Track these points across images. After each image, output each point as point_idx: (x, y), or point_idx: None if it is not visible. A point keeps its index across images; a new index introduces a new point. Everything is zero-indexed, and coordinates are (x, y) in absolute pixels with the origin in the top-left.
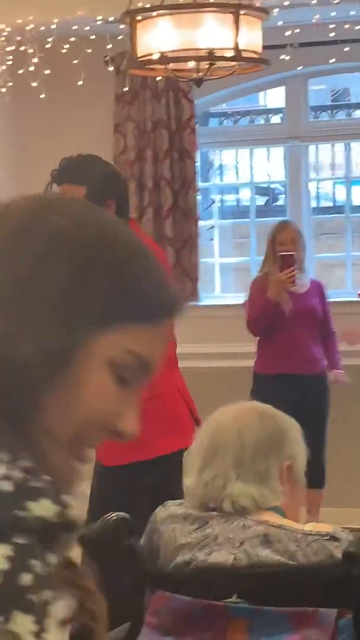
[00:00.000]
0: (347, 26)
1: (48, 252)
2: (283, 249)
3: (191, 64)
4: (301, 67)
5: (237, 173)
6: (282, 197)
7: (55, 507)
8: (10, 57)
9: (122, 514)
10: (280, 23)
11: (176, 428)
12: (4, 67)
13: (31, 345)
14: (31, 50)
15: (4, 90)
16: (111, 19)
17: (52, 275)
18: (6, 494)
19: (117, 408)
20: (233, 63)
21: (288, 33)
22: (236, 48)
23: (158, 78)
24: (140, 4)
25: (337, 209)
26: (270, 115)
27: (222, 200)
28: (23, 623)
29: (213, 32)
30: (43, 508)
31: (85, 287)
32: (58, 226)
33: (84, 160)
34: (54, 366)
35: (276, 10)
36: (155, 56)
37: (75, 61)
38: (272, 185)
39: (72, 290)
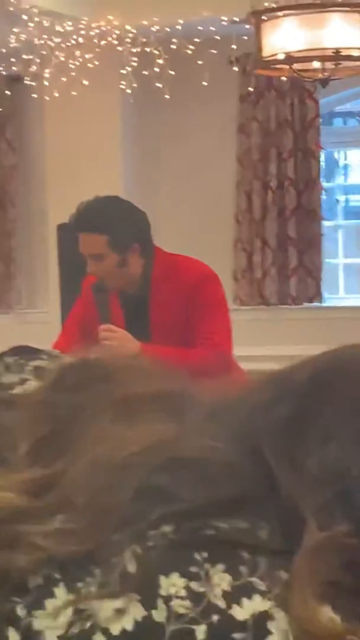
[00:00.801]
0: None
1: None
2: None
3: (317, 64)
4: None
5: None
6: None
7: None
8: (135, 59)
9: None
10: None
11: None
12: (129, 68)
13: None
14: (156, 52)
15: (129, 91)
16: (236, 19)
17: None
18: None
19: None
20: (359, 63)
21: None
22: None
23: (283, 78)
24: (265, 4)
25: None
26: None
27: (346, 200)
28: None
29: (339, 32)
30: None
31: None
32: None
33: (102, 205)
34: None
35: None
36: (281, 56)
37: (200, 62)
38: None
39: None
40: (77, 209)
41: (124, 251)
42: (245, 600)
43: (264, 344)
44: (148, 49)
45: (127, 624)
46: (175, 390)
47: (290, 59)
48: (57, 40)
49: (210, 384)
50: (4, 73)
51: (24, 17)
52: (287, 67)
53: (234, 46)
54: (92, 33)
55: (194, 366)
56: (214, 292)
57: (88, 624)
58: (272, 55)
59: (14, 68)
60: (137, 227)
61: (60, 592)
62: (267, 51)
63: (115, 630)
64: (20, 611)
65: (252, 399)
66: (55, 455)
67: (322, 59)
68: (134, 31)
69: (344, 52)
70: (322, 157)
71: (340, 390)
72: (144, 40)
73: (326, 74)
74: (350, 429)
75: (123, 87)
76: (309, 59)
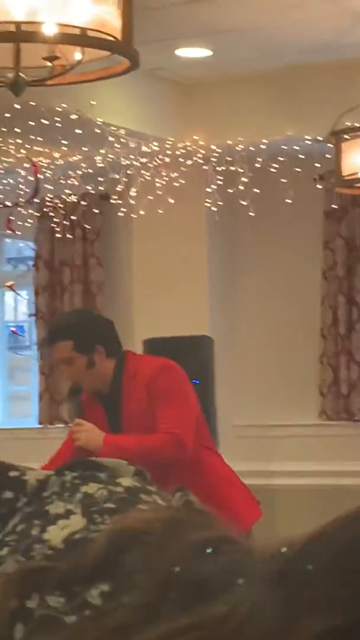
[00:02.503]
0: None
1: None
2: None
3: None
4: None
5: None
6: None
7: None
8: (221, 177)
9: None
10: None
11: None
12: (214, 186)
13: None
14: (241, 170)
15: (214, 209)
16: (320, 138)
17: None
18: None
19: None
20: None
21: None
22: None
23: None
24: (348, 123)
25: None
26: None
27: None
28: None
29: None
30: None
31: None
32: None
33: (67, 317)
34: None
35: None
36: None
37: (284, 180)
38: None
39: None
40: (48, 326)
41: (89, 352)
42: None
43: (350, 459)
44: (233, 168)
45: None
46: None
47: None
48: (144, 159)
49: None
50: (92, 192)
51: (111, 138)
52: None
53: (317, 164)
54: (178, 153)
55: (150, 451)
56: (169, 381)
57: None
58: (352, 174)
59: (101, 187)
60: (99, 330)
61: None
62: (346, 170)
63: None
64: None
65: None
66: None
67: None
68: (219, 150)
69: None
70: None
71: None
72: (229, 159)
73: None
74: None
75: (208, 204)
76: None
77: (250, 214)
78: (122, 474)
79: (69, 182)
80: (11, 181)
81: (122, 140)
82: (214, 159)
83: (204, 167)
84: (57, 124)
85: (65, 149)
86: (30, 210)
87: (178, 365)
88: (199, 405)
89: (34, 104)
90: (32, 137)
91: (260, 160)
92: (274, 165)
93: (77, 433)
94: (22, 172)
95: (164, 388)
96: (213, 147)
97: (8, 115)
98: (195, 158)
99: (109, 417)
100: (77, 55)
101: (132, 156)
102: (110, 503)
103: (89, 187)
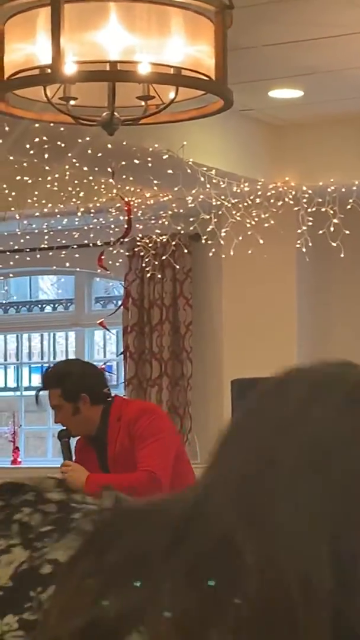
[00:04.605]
0: None
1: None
2: None
3: None
4: None
5: None
6: None
7: None
8: (311, 219)
9: None
10: None
11: None
12: (304, 227)
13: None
14: (331, 211)
15: (304, 250)
16: None
17: None
18: None
19: None
20: None
21: None
22: None
23: None
24: None
25: None
26: None
27: None
28: None
29: None
30: None
31: None
32: None
33: (57, 366)
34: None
35: None
36: None
37: None
38: None
39: None
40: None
41: (75, 401)
42: None
43: None
44: (324, 209)
45: None
46: None
47: None
48: (234, 200)
49: None
50: (182, 232)
51: (202, 179)
52: None
53: None
54: (268, 193)
55: (127, 488)
56: (148, 424)
57: None
58: None
59: (191, 227)
60: (84, 380)
61: None
62: None
63: None
64: None
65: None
66: None
67: None
68: (310, 192)
69: None
70: None
71: None
72: (320, 200)
73: None
74: None
75: (299, 246)
76: None
77: (340, 255)
78: (47, 488)
79: (159, 221)
80: (102, 220)
81: (213, 180)
82: (304, 200)
83: (295, 208)
84: (148, 164)
85: (156, 188)
86: (120, 250)
87: (159, 408)
88: (181, 445)
89: (125, 143)
90: (123, 176)
91: (351, 201)
92: None
93: (64, 473)
94: (113, 212)
95: (142, 429)
96: (304, 188)
97: (100, 154)
98: (286, 199)
99: (99, 459)
100: (171, 94)
101: (222, 197)
102: (47, 525)
103: (180, 227)
